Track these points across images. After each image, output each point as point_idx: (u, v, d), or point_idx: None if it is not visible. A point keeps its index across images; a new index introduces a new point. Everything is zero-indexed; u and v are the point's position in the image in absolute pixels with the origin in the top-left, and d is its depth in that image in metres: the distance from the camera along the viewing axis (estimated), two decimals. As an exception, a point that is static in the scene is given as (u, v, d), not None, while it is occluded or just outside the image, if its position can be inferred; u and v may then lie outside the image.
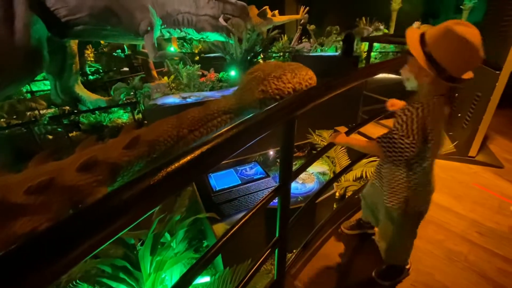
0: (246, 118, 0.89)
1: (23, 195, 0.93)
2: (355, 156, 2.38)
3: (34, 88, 9.04)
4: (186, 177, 0.69)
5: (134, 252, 2.26)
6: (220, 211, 2.90)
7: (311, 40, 11.50)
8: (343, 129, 3.60)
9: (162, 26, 6.68)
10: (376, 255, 1.86)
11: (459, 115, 3.29)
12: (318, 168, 3.78)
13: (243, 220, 1.05)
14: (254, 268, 1.27)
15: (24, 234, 0.88)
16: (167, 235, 2.62)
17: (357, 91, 4.07)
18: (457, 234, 2.05)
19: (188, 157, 0.67)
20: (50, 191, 0.97)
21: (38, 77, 7.83)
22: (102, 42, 11.82)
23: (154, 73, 8.36)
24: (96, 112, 6.71)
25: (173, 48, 10.64)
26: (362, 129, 3.58)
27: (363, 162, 3.51)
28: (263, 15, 7.31)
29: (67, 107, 7.20)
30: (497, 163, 2.94)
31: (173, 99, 5.27)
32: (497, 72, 2.62)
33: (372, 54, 8.22)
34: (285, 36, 12.33)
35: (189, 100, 5.19)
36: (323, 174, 3.66)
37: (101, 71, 11.31)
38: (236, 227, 1.02)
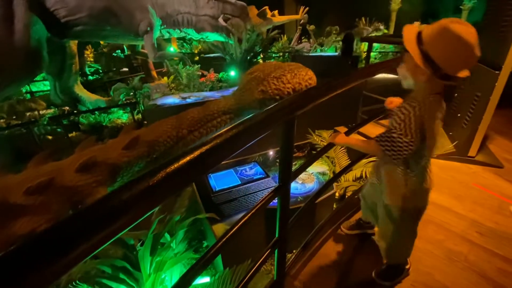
0: (245, 118, 0.89)
1: (23, 195, 0.93)
2: (355, 156, 2.38)
3: (34, 89, 9.04)
4: (186, 177, 0.69)
5: (134, 252, 2.26)
6: (220, 211, 2.90)
7: (311, 40, 11.49)
8: (342, 129, 3.61)
9: (162, 27, 6.68)
10: (376, 255, 1.87)
11: (459, 115, 3.30)
12: (318, 168, 3.77)
13: (242, 221, 1.05)
14: (254, 268, 1.27)
15: (24, 234, 0.88)
16: (167, 236, 2.62)
17: (357, 91, 4.07)
18: (457, 234, 2.05)
19: (188, 158, 0.67)
20: (50, 192, 0.97)
21: (38, 78, 7.82)
22: (101, 42, 11.82)
23: (154, 73, 8.37)
24: (96, 112, 6.71)
25: (172, 49, 10.65)
26: (362, 129, 3.58)
27: (362, 162, 3.51)
28: (262, 15, 7.31)
29: (67, 108, 7.19)
30: (497, 163, 2.94)
31: (172, 100, 5.27)
32: (496, 72, 2.62)
33: (372, 54, 8.22)
34: (285, 36, 12.34)
35: (188, 101, 5.19)
36: (323, 174, 3.66)
37: (100, 71, 11.32)
38: (236, 227, 1.02)
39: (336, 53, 9.36)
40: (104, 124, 6.48)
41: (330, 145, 1.67)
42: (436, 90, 1.19)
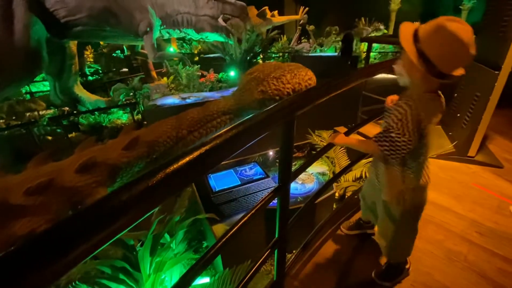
0: (245, 118, 0.89)
1: (23, 196, 0.93)
2: (355, 156, 2.38)
3: (34, 89, 9.05)
4: (185, 178, 0.69)
5: (133, 253, 2.25)
6: (219, 211, 2.90)
7: (311, 40, 11.51)
8: (342, 129, 3.61)
9: (162, 27, 6.69)
10: (376, 255, 1.87)
11: (458, 115, 3.30)
12: (317, 168, 3.78)
13: (242, 221, 1.05)
14: (254, 268, 1.27)
15: (24, 234, 0.88)
16: (167, 236, 2.62)
17: (357, 92, 4.07)
18: (456, 234, 2.06)
19: (187, 158, 0.67)
20: (50, 192, 0.97)
21: (37, 78, 7.82)
22: (101, 43, 11.81)
23: (154, 73, 8.37)
24: (96, 113, 6.71)
25: (172, 49, 10.64)
26: (361, 129, 3.58)
27: (362, 162, 3.51)
28: (262, 16, 7.32)
29: (67, 108, 7.20)
30: (497, 163, 2.95)
31: (172, 100, 5.28)
32: (496, 72, 2.62)
33: (371, 54, 8.23)
34: (285, 36, 12.35)
35: (188, 101, 5.20)
36: (323, 174, 3.66)
37: (100, 71, 11.33)
38: (236, 227, 1.02)
39: (336, 53, 9.37)
40: (104, 124, 6.48)
41: (330, 145, 1.67)
42: (432, 88, 1.19)
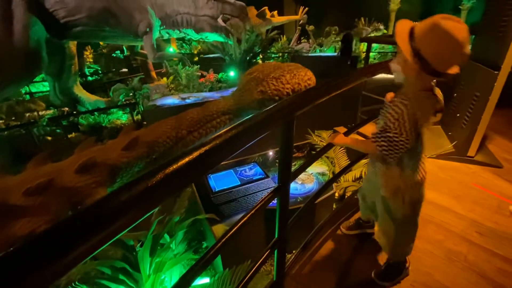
0: (245, 119, 0.89)
1: (22, 196, 0.93)
2: (354, 156, 2.38)
3: (33, 89, 9.04)
4: (185, 178, 0.69)
5: (133, 253, 2.25)
6: (219, 212, 2.90)
7: (310, 40, 11.51)
8: (342, 129, 3.61)
9: (161, 27, 6.68)
10: (376, 255, 1.87)
11: (458, 115, 3.30)
12: (317, 168, 3.78)
13: (242, 221, 1.05)
14: (254, 269, 1.27)
15: (24, 235, 0.88)
16: (167, 236, 2.62)
17: (356, 92, 4.08)
18: (456, 234, 2.06)
19: (187, 159, 0.67)
20: (49, 193, 0.97)
21: (37, 78, 7.82)
22: (101, 43, 11.81)
23: (153, 74, 8.37)
24: (95, 113, 6.71)
25: (172, 49, 10.65)
26: (361, 129, 3.58)
27: (362, 162, 3.51)
28: (262, 16, 7.32)
29: (66, 108, 7.20)
30: (496, 163, 2.95)
31: (172, 100, 5.27)
32: (495, 72, 2.63)
33: (371, 54, 8.24)
34: (284, 36, 12.36)
35: (188, 101, 5.19)
36: (323, 174, 3.66)
37: (100, 72, 11.32)
38: (235, 228, 1.02)
39: (335, 54, 9.37)
40: (103, 124, 6.48)
41: (330, 146, 1.67)
42: (427, 86, 1.20)
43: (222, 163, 0.82)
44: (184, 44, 12.95)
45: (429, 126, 1.25)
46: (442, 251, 1.91)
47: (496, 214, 2.25)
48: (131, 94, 7.05)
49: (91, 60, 12.44)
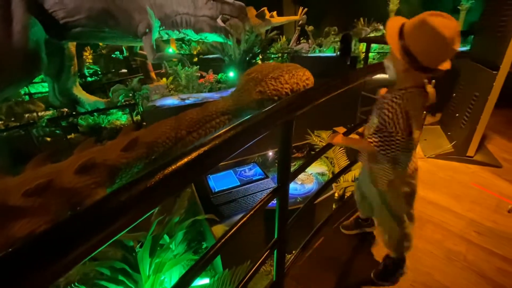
0: (244, 119, 0.89)
1: (22, 197, 0.93)
2: (354, 156, 2.38)
3: (32, 90, 9.04)
4: (184, 178, 0.69)
5: (133, 254, 2.25)
6: (219, 212, 2.90)
7: (310, 41, 11.51)
8: (341, 129, 3.60)
9: (161, 28, 6.68)
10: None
11: (457, 115, 3.30)
12: (317, 168, 3.78)
13: (241, 221, 1.05)
14: (253, 269, 1.27)
15: (23, 236, 0.88)
16: (166, 237, 2.61)
17: (356, 92, 4.07)
18: (455, 233, 2.06)
19: (186, 159, 0.67)
20: (48, 193, 0.97)
21: (36, 79, 7.81)
22: (100, 44, 11.80)
23: (153, 74, 8.36)
24: (95, 114, 6.70)
25: (171, 50, 10.63)
26: (360, 129, 3.58)
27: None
28: (261, 16, 7.31)
29: (66, 109, 7.19)
30: (495, 162, 2.95)
31: (171, 101, 5.27)
32: (494, 72, 2.63)
33: (370, 54, 8.25)
34: (284, 37, 12.35)
35: (187, 102, 5.19)
36: (322, 174, 3.66)
37: (99, 73, 11.31)
38: (235, 228, 1.02)
39: (335, 54, 9.38)
40: (103, 125, 6.48)
41: (329, 146, 1.67)
42: (417, 82, 1.22)
43: (222, 163, 0.82)
44: (183, 45, 12.93)
45: (420, 121, 1.27)
46: (442, 251, 1.91)
47: (495, 214, 2.25)
48: (130, 94, 7.04)
49: (91, 61, 12.43)
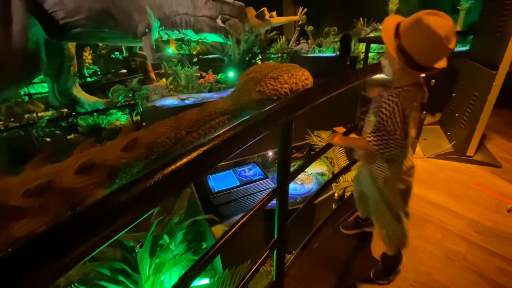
0: (243, 119, 0.89)
1: (21, 197, 0.93)
2: (354, 156, 2.38)
3: (32, 91, 9.02)
4: (184, 179, 0.69)
5: (133, 254, 2.25)
6: (219, 212, 2.89)
7: (309, 41, 11.51)
8: (341, 129, 3.61)
9: (160, 28, 6.68)
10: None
11: (457, 115, 3.31)
12: (316, 168, 3.78)
13: (241, 222, 1.05)
14: (253, 269, 1.27)
15: (23, 236, 0.88)
16: (166, 237, 2.61)
17: (355, 92, 4.07)
18: (455, 233, 2.06)
19: (185, 159, 0.67)
20: (48, 194, 0.97)
21: (36, 80, 7.81)
22: (100, 44, 11.80)
23: (152, 75, 8.36)
24: (94, 114, 6.70)
25: (171, 50, 10.63)
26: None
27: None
28: (261, 17, 7.31)
29: (65, 110, 7.18)
30: (495, 162, 2.96)
31: (171, 101, 5.26)
32: (493, 72, 2.63)
33: (370, 54, 8.24)
34: (283, 37, 12.35)
35: (187, 102, 5.18)
36: (322, 174, 3.66)
37: (99, 73, 11.30)
38: (234, 228, 1.02)
39: (334, 54, 9.38)
40: (102, 126, 6.47)
41: (329, 146, 1.67)
42: (412, 80, 1.22)
43: (222, 163, 0.82)
44: (183, 45, 12.93)
45: (417, 119, 1.29)
46: (442, 250, 1.91)
47: (495, 214, 2.25)
48: (130, 95, 7.04)
49: (90, 61, 12.43)
